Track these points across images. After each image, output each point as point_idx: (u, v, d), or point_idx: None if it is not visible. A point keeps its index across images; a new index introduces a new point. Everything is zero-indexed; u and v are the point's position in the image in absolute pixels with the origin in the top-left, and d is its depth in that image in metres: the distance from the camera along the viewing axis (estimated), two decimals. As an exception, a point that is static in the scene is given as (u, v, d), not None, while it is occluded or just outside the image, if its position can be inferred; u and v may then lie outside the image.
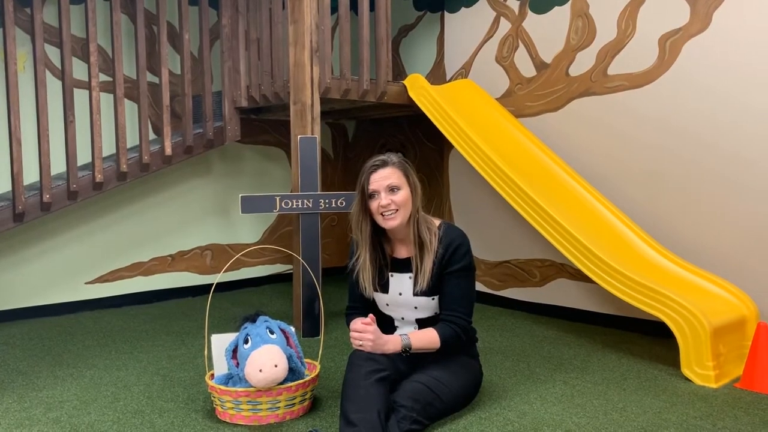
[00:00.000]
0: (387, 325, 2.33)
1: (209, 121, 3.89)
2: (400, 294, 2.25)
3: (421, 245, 2.20)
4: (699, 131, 3.14)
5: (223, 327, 3.17)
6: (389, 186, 2.15)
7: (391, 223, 2.16)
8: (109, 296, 4.03)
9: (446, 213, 4.29)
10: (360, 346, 2.08)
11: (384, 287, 2.27)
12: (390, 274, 2.27)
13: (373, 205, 2.17)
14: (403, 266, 2.26)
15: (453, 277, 2.19)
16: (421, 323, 2.26)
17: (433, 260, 2.18)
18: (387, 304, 2.29)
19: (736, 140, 3.01)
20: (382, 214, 2.16)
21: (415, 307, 2.24)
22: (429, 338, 2.15)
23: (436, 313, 2.25)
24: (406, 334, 2.15)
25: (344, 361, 2.75)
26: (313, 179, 3.29)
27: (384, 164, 2.18)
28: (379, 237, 2.28)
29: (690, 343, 2.61)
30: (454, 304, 2.19)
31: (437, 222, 2.26)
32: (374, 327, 2.10)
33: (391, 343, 2.11)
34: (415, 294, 2.22)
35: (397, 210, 2.15)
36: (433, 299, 2.22)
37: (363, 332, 2.08)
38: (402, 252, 2.28)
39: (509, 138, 3.68)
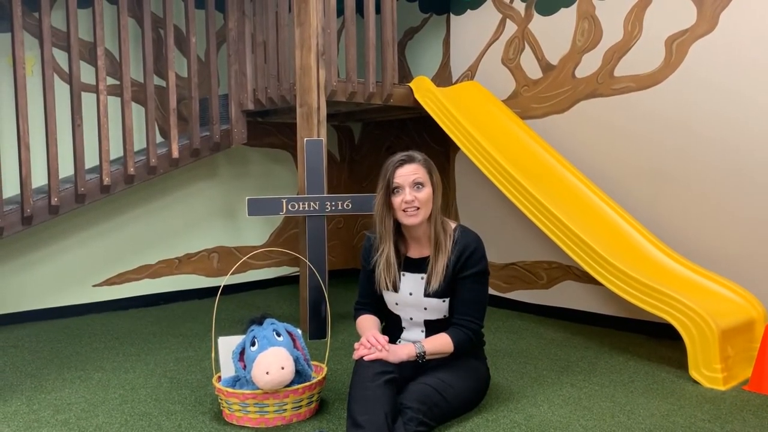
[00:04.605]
0: (394, 325, 2.34)
1: (216, 124, 3.91)
2: (411, 294, 2.24)
3: (436, 245, 2.19)
4: (706, 132, 3.13)
5: (230, 329, 3.18)
6: (414, 181, 2.14)
7: (412, 220, 2.15)
8: (116, 299, 4.05)
9: (452, 215, 4.28)
10: (365, 355, 2.06)
11: (395, 286, 2.27)
12: (402, 273, 2.27)
13: (396, 200, 2.16)
14: (416, 266, 2.25)
15: (467, 281, 2.18)
16: (429, 325, 2.25)
17: (446, 263, 2.18)
18: (396, 304, 2.29)
19: (744, 141, 3.00)
20: (404, 210, 2.15)
21: (425, 308, 2.24)
22: (442, 342, 2.15)
23: (445, 315, 2.24)
24: (419, 341, 2.14)
25: (351, 364, 2.75)
26: (320, 182, 3.30)
27: (411, 160, 2.17)
28: (396, 234, 2.28)
29: (698, 345, 2.59)
30: (467, 309, 2.19)
31: (453, 225, 2.26)
32: (386, 343, 2.10)
33: (405, 351, 2.10)
34: (426, 295, 2.21)
35: (419, 208, 2.14)
36: (444, 301, 2.21)
37: (376, 344, 2.07)
38: (415, 252, 2.27)
39: (515, 140, 3.67)
